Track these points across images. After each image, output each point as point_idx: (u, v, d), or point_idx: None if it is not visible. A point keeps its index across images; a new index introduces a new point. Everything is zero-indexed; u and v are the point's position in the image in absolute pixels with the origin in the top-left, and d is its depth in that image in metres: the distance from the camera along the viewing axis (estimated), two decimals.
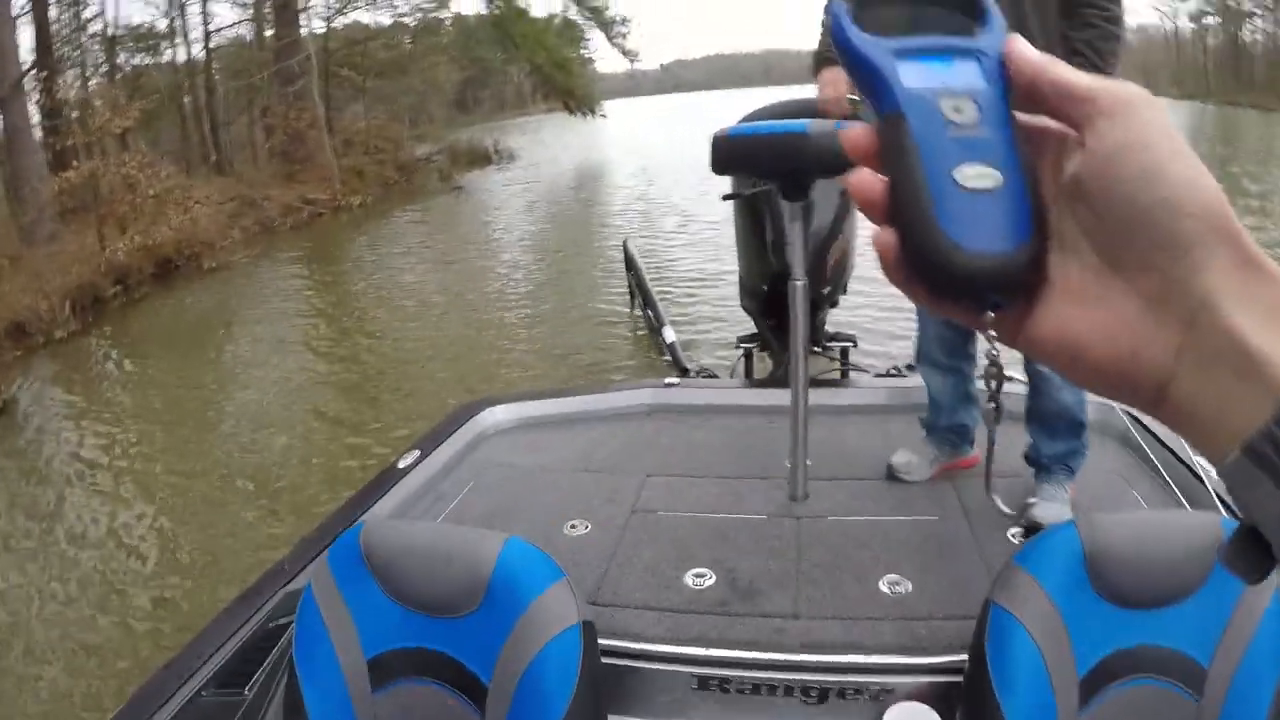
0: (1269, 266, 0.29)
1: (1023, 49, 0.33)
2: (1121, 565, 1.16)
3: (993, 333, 0.33)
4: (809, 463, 2.04)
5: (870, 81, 0.32)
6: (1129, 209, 0.29)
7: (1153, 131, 0.30)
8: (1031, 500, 1.94)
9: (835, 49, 0.34)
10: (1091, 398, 2.02)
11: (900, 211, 0.31)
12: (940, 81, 0.32)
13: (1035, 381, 1.98)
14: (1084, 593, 1.17)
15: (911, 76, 0.32)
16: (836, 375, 3.49)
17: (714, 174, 2.06)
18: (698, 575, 1.79)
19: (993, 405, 0.37)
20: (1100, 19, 1.83)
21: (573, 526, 1.94)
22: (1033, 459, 2.02)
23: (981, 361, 2.24)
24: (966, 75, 0.32)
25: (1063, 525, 1.23)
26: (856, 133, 0.33)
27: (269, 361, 7.42)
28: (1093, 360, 0.31)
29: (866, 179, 0.33)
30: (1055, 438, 1.97)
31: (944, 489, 2.10)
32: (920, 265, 0.31)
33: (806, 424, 2.01)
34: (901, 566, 1.76)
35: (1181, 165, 0.29)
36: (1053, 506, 1.90)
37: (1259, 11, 33.65)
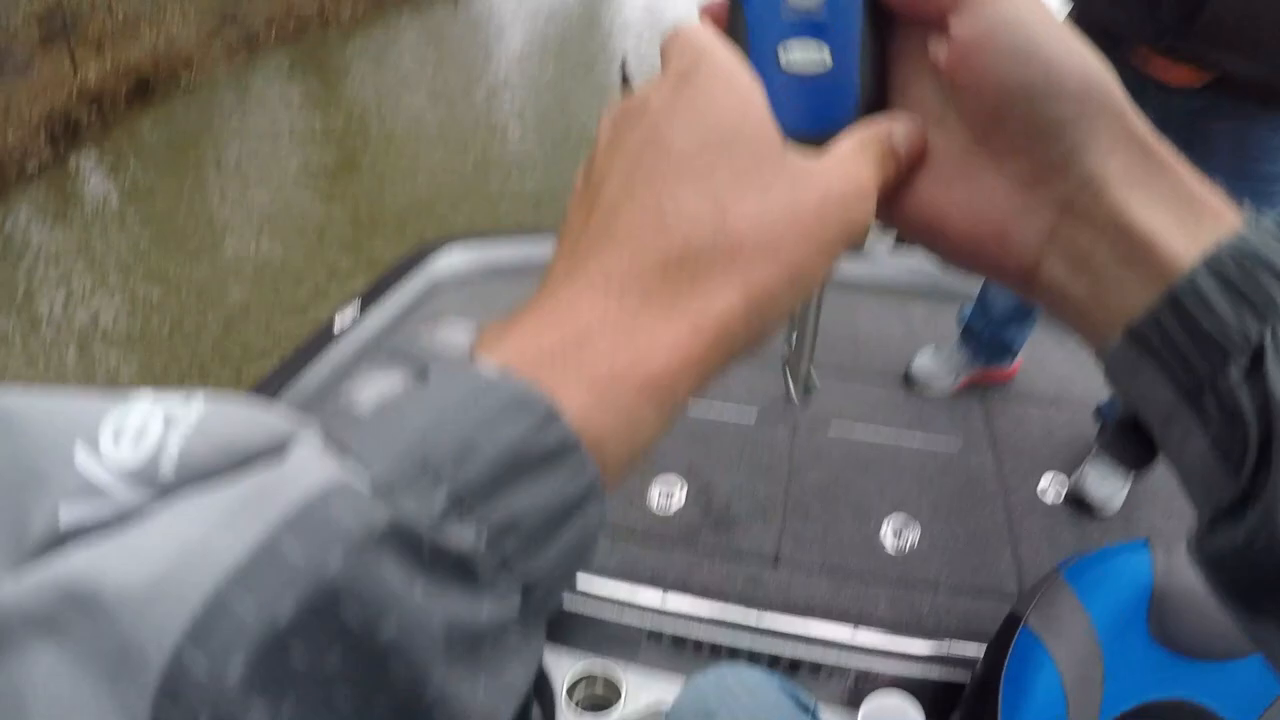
0: (1154, 144, 0.26)
1: None
2: (1192, 609, 0.97)
3: None
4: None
5: None
6: (999, 93, 0.26)
7: (1020, 8, 0.26)
8: (1086, 469, 1.66)
9: None
10: None
11: None
12: None
13: None
14: (1136, 633, 0.99)
15: None
16: None
17: None
18: (666, 491, 1.57)
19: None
20: None
21: None
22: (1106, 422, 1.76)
23: None
24: None
25: (1133, 548, 1.04)
26: (713, 5, 0.32)
27: (240, 183, 7.37)
28: (956, 240, 0.29)
29: None
30: None
31: (970, 407, 1.82)
32: None
33: (820, 307, 1.73)
34: (910, 504, 1.55)
35: (1055, 42, 0.26)
36: (1110, 484, 1.64)
37: None
